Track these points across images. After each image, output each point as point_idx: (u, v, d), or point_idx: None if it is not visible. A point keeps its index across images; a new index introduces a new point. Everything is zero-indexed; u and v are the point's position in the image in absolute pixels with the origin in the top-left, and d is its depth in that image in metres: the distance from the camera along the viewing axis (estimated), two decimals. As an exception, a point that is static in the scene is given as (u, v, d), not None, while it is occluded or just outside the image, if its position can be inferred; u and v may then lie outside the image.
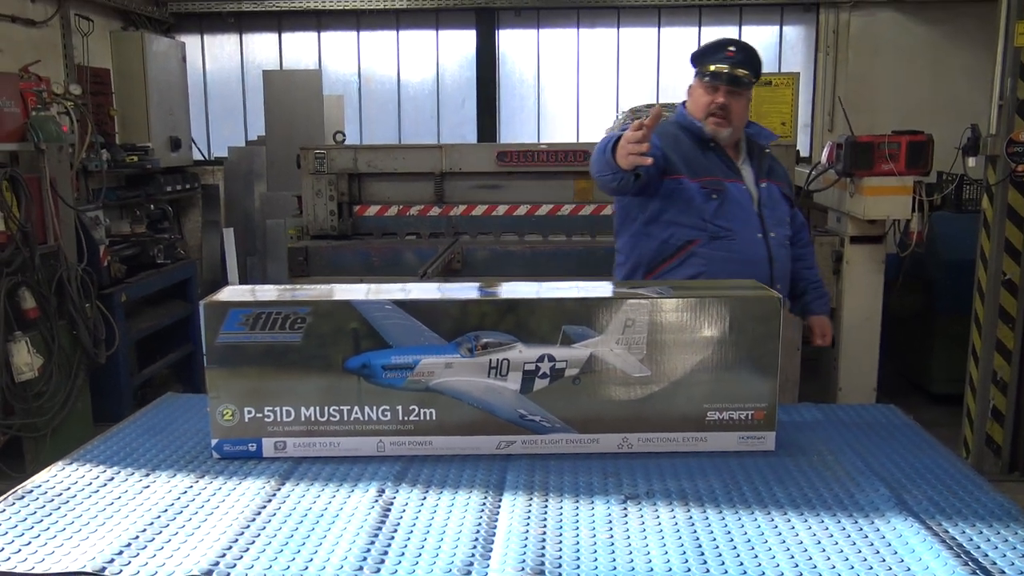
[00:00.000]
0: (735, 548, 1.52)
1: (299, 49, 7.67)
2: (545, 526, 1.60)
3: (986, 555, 1.49)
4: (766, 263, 2.65)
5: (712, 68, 2.64)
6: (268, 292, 2.03)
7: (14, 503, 1.73)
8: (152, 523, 1.63)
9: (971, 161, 4.32)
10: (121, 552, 1.51)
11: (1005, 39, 4.18)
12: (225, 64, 7.74)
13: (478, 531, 1.58)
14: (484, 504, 1.70)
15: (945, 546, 1.51)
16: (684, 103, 2.80)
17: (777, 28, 7.44)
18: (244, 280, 6.67)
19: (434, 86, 7.67)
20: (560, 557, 1.48)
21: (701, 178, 2.64)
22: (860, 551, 1.50)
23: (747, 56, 2.66)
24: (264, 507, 1.70)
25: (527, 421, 1.95)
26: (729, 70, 2.62)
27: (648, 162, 2.31)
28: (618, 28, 7.46)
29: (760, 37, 7.43)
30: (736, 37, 2.78)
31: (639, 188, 2.57)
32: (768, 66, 7.23)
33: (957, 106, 6.44)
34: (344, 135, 5.28)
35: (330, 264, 4.61)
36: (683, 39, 7.33)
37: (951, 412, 4.84)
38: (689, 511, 1.67)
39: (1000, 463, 4.32)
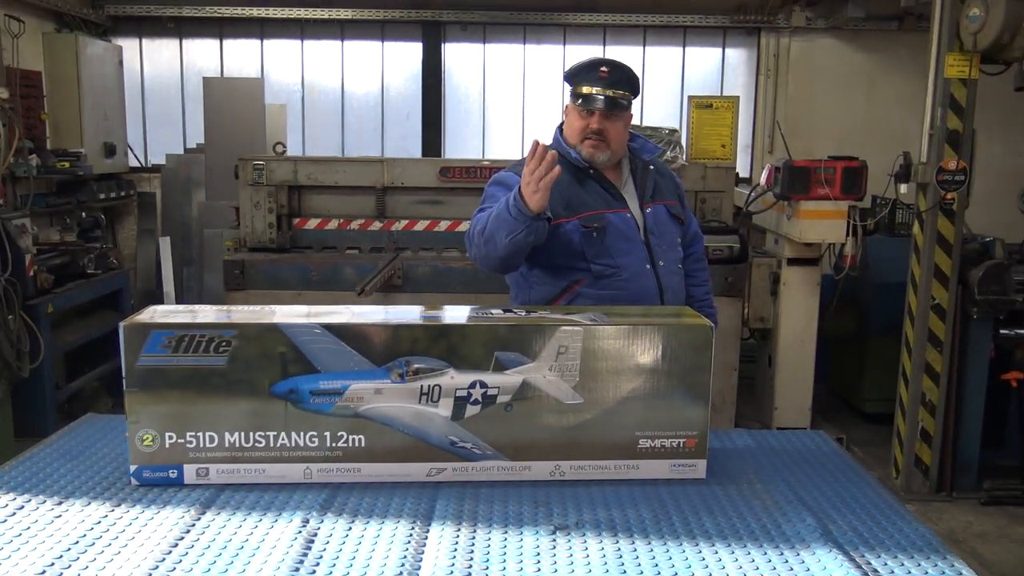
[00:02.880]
0: (662, 581, 1.51)
1: (241, 56, 7.53)
2: (472, 559, 1.57)
3: (907, 587, 1.51)
4: (656, 296, 2.51)
5: (585, 90, 2.46)
6: (193, 313, 1.97)
7: (-88, 535, 1.63)
8: (61, 556, 1.55)
9: (903, 187, 4.44)
10: (24, 590, 1.43)
11: (936, 70, 4.31)
12: (164, 69, 7.55)
13: (403, 565, 1.54)
14: (411, 535, 1.66)
15: (867, 578, 1.52)
16: (560, 127, 2.61)
17: (720, 51, 7.57)
18: (180, 291, 6.50)
19: (379, 98, 7.61)
20: (485, 592, 1.46)
21: (580, 214, 2.48)
22: (784, 584, 1.51)
23: (622, 75, 2.48)
24: (181, 539, 1.63)
25: (458, 448, 1.92)
26: (603, 93, 2.44)
27: (557, 172, 2.18)
28: (564, 46, 7.50)
29: (704, 59, 7.57)
30: (608, 56, 2.64)
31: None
32: (711, 88, 7.46)
33: (891, 132, 6.64)
34: (285, 147, 5.21)
35: (267, 278, 4.52)
36: (629, 58, 7.39)
37: (883, 431, 4.96)
38: (618, 542, 1.66)
39: (928, 483, 4.42)
